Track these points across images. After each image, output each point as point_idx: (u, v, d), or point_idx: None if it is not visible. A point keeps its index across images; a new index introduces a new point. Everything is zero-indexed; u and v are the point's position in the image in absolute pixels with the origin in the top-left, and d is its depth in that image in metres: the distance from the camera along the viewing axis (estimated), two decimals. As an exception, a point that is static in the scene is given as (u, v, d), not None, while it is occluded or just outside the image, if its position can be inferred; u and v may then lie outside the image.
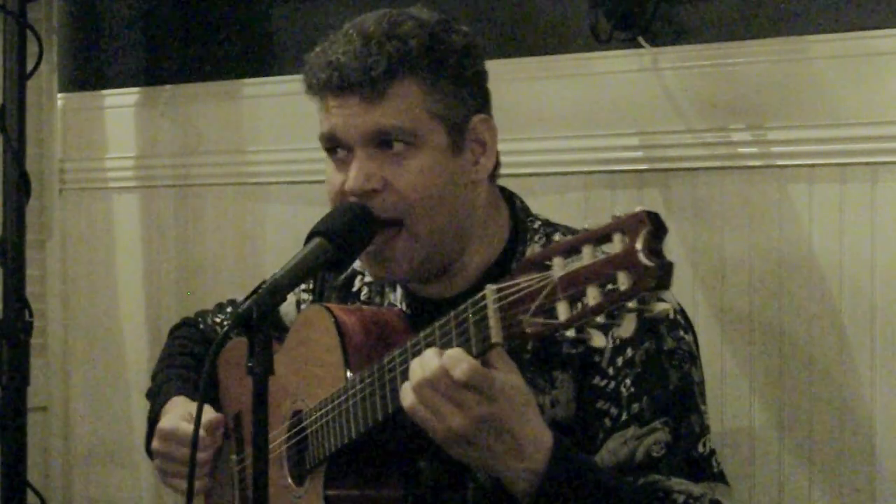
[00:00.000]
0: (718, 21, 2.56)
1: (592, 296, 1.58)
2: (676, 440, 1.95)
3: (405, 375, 1.81)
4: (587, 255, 1.59)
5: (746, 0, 2.54)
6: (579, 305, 1.59)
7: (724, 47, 2.54)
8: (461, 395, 1.75)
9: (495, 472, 1.83)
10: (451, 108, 2.01)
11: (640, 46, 2.61)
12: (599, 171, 2.67)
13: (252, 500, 1.72)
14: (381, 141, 1.99)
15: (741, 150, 2.53)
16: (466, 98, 2.03)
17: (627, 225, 1.55)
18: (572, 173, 2.70)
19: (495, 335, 1.70)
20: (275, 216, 3.13)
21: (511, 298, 1.67)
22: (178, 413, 2.21)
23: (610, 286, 1.56)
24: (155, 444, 2.22)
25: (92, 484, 3.46)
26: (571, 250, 1.62)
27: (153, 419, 2.29)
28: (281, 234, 3.10)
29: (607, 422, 1.96)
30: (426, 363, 1.77)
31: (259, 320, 1.75)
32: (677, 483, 1.92)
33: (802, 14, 2.48)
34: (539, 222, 2.11)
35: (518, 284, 1.66)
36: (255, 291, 1.82)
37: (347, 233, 1.92)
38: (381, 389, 1.87)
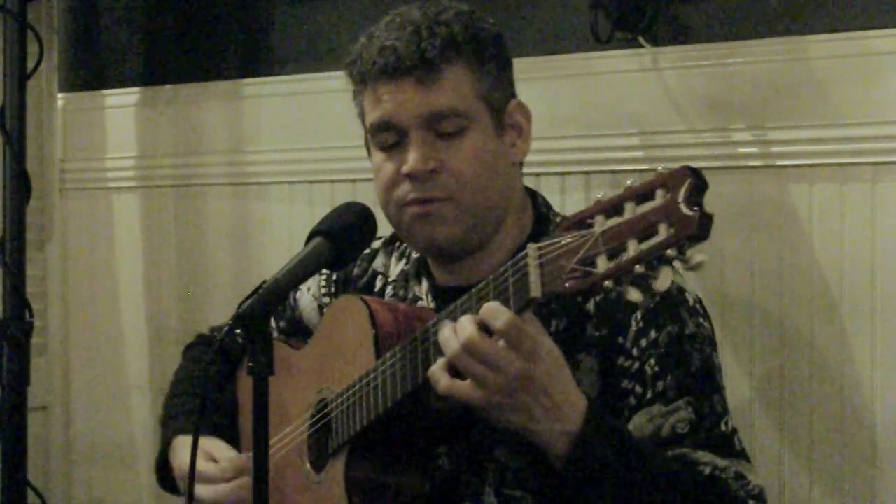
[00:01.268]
0: (718, 21, 2.55)
1: (633, 248, 1.60)
2: (700, 419, 2.00)
3: (438, 345, 1.83)
4: (629, 212, 1.62)
5: (746, 0, 2.53)
6: (619, 258, 1.62)
7: (724, 47, 2.54)
8: (498, 355, 1.77)
9: (532, 435, 1.84)
10: (494, 91, 2.09)
11: (641, 46, 2.60)
12: (600, 171, 2.67)
13: (252, 498, 1.72)
14: (436, 123, 2.05)
15: (741, 150, 2.53)
16: (505, 82, 2.12)
17: (670, 179, 1.58)
18: (572, 173, 2.70)
19: (535, 290, 1.71)
20: (275, 216, 3.13)
21: (552, 255, 1.69)
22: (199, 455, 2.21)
23: (650, 238, 1.59)
24: (182, 486, 2.26)
25: (92, 484, 3.46)
26: (614, 208, 1.64)
27: (163, 450, 2.31)
28: (281, 234, 3.10)
29: (632, 400, 2.01)
30: (460, 329, 1.79)
31: (259, 320, 1.76)
32: (703, 455, 1.98)
33: (802, 14, 2.48)
34: (560, 217, 2.16)
35: (560, 241, 1.68)
36: (255, 291, 1.82)
37: (348, 232, 1.92)
38: (413, 361, 1.89)
